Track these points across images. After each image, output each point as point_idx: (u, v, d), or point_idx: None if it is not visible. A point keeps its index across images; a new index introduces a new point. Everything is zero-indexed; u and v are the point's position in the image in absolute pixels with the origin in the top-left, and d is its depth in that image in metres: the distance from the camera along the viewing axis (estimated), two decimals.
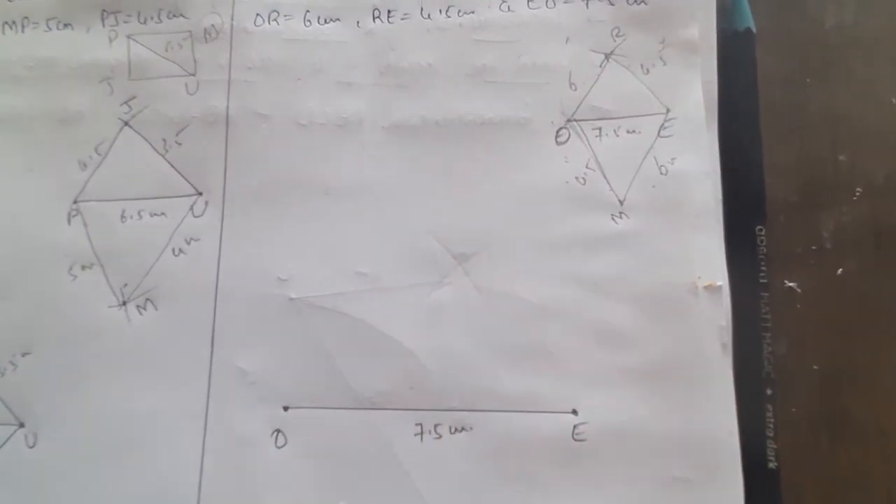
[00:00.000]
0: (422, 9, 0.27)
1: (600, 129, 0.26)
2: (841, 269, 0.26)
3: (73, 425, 0.25)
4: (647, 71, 0.26)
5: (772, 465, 0.24)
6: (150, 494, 0.25)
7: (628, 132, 0.26)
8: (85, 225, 0.27)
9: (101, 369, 0.26)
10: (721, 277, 0.25)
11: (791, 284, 0.26)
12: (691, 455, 0.23)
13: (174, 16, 0.28)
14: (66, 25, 0.28)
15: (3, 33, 0.29)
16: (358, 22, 0.28)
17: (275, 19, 0.28)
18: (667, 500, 0.23)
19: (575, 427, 0.24)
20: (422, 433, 0.24)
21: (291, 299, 0.26)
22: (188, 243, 0.26)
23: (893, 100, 0.27)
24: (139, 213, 0.27)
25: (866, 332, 0.25)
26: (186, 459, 0.25)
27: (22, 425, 0.25)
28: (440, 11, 0.27)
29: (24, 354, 0.26)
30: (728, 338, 0.24)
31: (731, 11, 0.27)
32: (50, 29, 0.29)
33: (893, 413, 0.25)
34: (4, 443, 0.25)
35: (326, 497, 0.24)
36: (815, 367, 0.25)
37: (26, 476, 0.25)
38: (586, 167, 0.26)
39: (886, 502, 0.24)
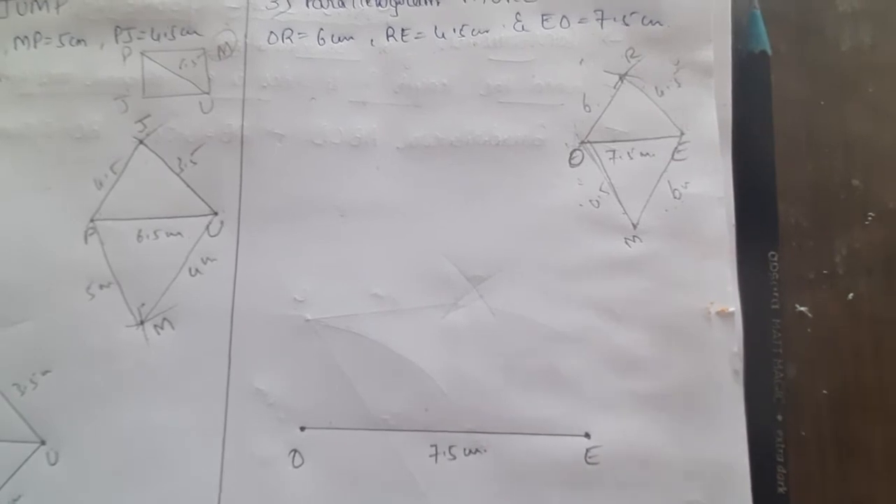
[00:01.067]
0: (436, 27, 0.27)
1: (614, 151, 0.26)
2: (852, 294, 0.26)
3: (93, 443, 0.26)
4: (662, 93, 0.26)
5: (781, 489, 0.24)
6: None
7: (642, 155, 0.26)
8: (102, 244, 0.27)
9: (120, 389, 0.26)
10: (733, 303, 0.25)
11: (802, 309, 0.26)
12: (702, 479, 0.24)
13: (188, 32, 0.28)
14: (79, 41, 0.28)
15: (16, 48, 0.29)
16: (372, 40, 0.27)
17: (288, 37, 0.28)
18: None
19: (588, 450, 0.24)
20: (436, 454, 0.25)
21: (307, 320, 0.26)
22: (204, 263, 0.27)
23: None
24: (155, 232, 0.27)
25: (877, 356, 0.25)
26: (205, 479, 0.25)
27: (43, 443, 0.26)
28: (454, 30, 0.27)
29: (44, 373, 0.26)
30: (740, 364, 0.24)
31: (746, 33, 0.27)
32: (63, 44, 0.28)
33: None
34: (27, 460, 0.26)
35: None
36: (824, 392, 0.25)
37: (49, 493, 0.25)
38: (600, 190, 0.26)
39: None
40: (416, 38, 0.27)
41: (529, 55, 0.27)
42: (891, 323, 0.26)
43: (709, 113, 0.26)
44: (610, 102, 0.26)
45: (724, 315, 0.24)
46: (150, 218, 0.27)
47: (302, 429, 0.25)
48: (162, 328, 0.26)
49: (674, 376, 0.24)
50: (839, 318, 0.26)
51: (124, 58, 0.28)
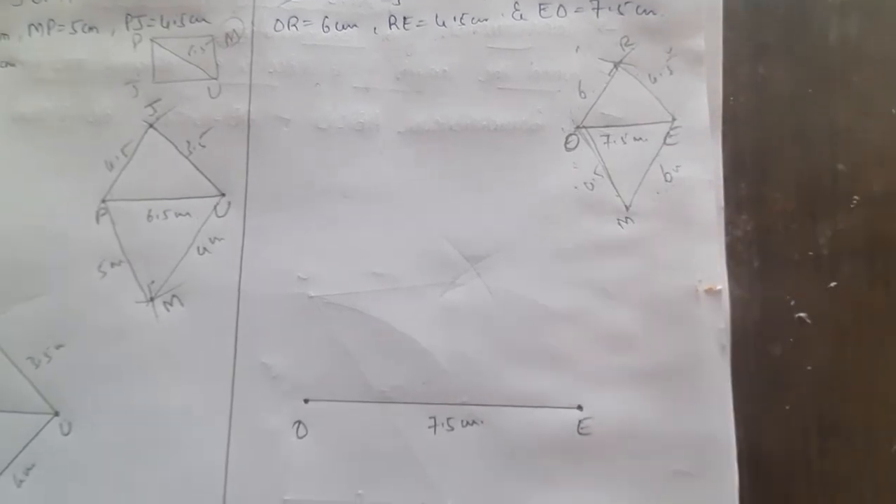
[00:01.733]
0: (437, 16, 0.28)
1: (608, 136, 0.27)
2: (836, 276, 0.26)
3: (105, 415, 0.26)
4: (655, 80, 0.27)
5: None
6: (180, 480, 0.26)
7: (635, 139, 0.27)
8: (113, 223, 0.28)
9: (131, 363, 0.27)
10: (721, 281, 0.26)
11: (788, 290, 0.26)
12: (690, 450, 0.24)
13: (196, 20, 0.29)
14: (91, 28, 0.29)
15: (30, 35, 0.29)
16: (375, 28, 0.28)
17: (294, 25, 0.28)
18: (667, 492, 0.24)
19: (580, 422, 0.25)
20: (435, 426, 0.25)
21: (311, 297, 0.26)
22: (212, 242, 0.27)
23: (894, 111, 0.27)
24: (165, 212, 0.28)
25: (859, 337, 0.26)
26: (212, 448, 0.26)
27: (57, 414, 0.27)
28: (454, 19, 0.28)
29: (57, 347, 0.27)
30: (727, 340, 0.25)
31: None
32: (75, 31, 0.29)
33: (881, 414, 0.25)
34: (41, 430, 0.27)
35: (344, 484, 0.25)
36: (808, 369, 0.26)
37: (62, 462, 0.26)
38: (594, 173, 0.27)
39: (872, 497, 0.25)
40: (417, 26, 0.28)
41: (527, 43, 0.27)
42: (873, 304, 0.26)
43: (699, 99, 0.27)
44: (605, 89, 0.27)
45: (712, 293, 0.25)
46: (159, 199, 0.28)
47: (305, 401, 0.26)
48: (171, 305, 0.27)
49: (664, 352, 0.25)
50: (823, 299, 0.26)
51: (135, 44, 0.29)
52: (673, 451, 0.25)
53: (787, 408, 0.26)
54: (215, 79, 0.28)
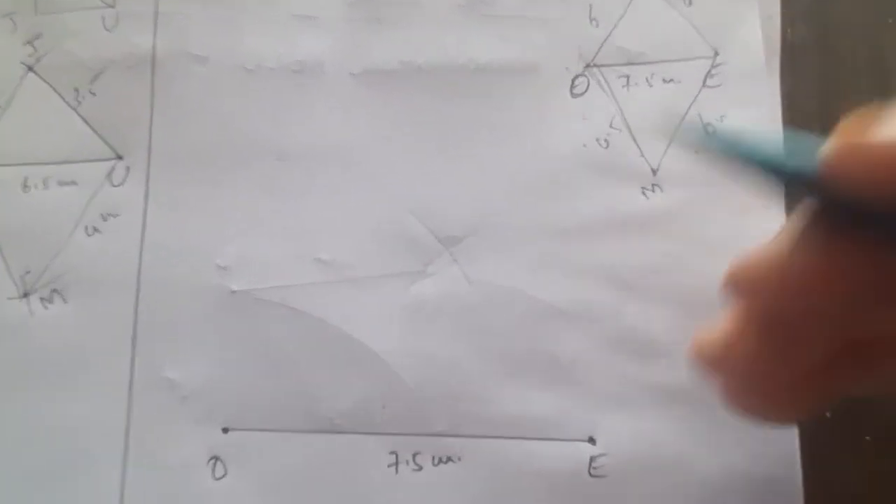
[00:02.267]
0: None
1: (628, 76, 0.24)
2: None
3: None
4: (690, 2, 0.23)
5: None
6: None
7: (665, 81, 0.23)
8: None
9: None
10: None
11: None
12: (739, 497, 0.21)
13: None
14: None
15: None
16: None
17: None
18: None
19: (592, 459, 0.21)
20: (397, 463, 0.22)
21: (233, 292, 0.23)
22: (104, 220, 0.24)
23: None
24: (45, 181, 0.24)
25: None
26: (102, 490, 0.22)
27: None
28: None
29: None
30: None
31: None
32: None
33: None
34: None
35: None
36: None
37: None
38: (610, 126, 0.23)
39: None
40: None
41: None
42: None
43: (751, 26, 0.23)
44: (624, 15, 0.24)
45: None
46: (37, 163, 0.25)
47: (225, 430, 0.23)
48: (51, 301, 0.24)
49: None
50: None
51: None
52: (716, 497, 0.21)
53: (868, 438, 0.21)
54: (112, 7, 0.25)
